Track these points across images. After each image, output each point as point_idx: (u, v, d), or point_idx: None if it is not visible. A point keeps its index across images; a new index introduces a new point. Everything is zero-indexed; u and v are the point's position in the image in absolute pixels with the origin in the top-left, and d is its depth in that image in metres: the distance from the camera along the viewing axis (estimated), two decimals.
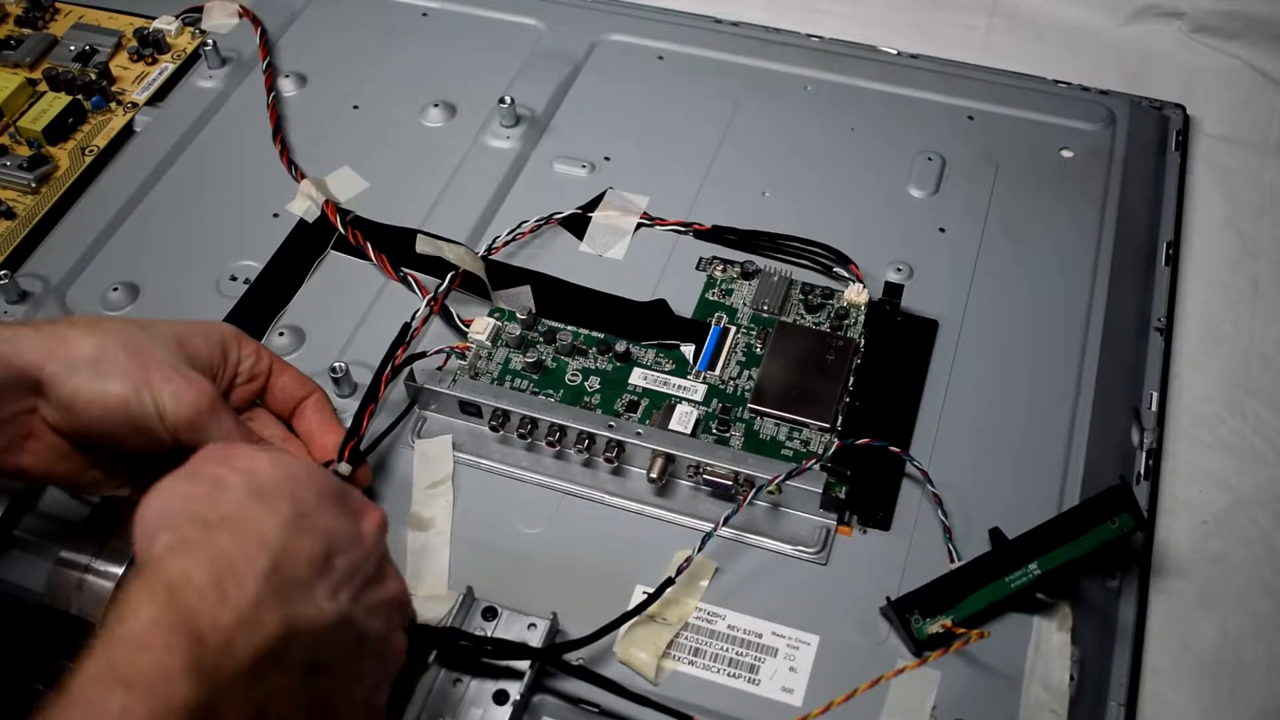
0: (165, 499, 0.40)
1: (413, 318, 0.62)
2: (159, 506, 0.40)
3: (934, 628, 0.50)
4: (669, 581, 0.51)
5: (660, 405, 0.59)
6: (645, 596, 0.52)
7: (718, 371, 0.60)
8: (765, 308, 0.63)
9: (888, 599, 0.51)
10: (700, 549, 0.52)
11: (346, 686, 0.41)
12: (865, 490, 0.56)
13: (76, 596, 0.53)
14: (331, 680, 0.40)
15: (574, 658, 0.50)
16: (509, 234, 0.67)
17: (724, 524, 0.53)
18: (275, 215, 0.70)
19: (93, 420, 0.47)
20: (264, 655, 0.36)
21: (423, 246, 0.64)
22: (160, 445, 0.49)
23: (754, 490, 0.53)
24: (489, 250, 0.66)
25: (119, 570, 0.53)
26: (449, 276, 0.64)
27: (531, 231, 0.68)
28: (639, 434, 0.56)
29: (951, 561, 0.53)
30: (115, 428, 0.48)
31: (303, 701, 0.39)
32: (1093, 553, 0.51)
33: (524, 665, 0.49)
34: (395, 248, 0.66)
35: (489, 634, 0.50)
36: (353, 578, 0.41)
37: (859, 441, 0.55)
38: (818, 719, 0.47)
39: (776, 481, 0.53)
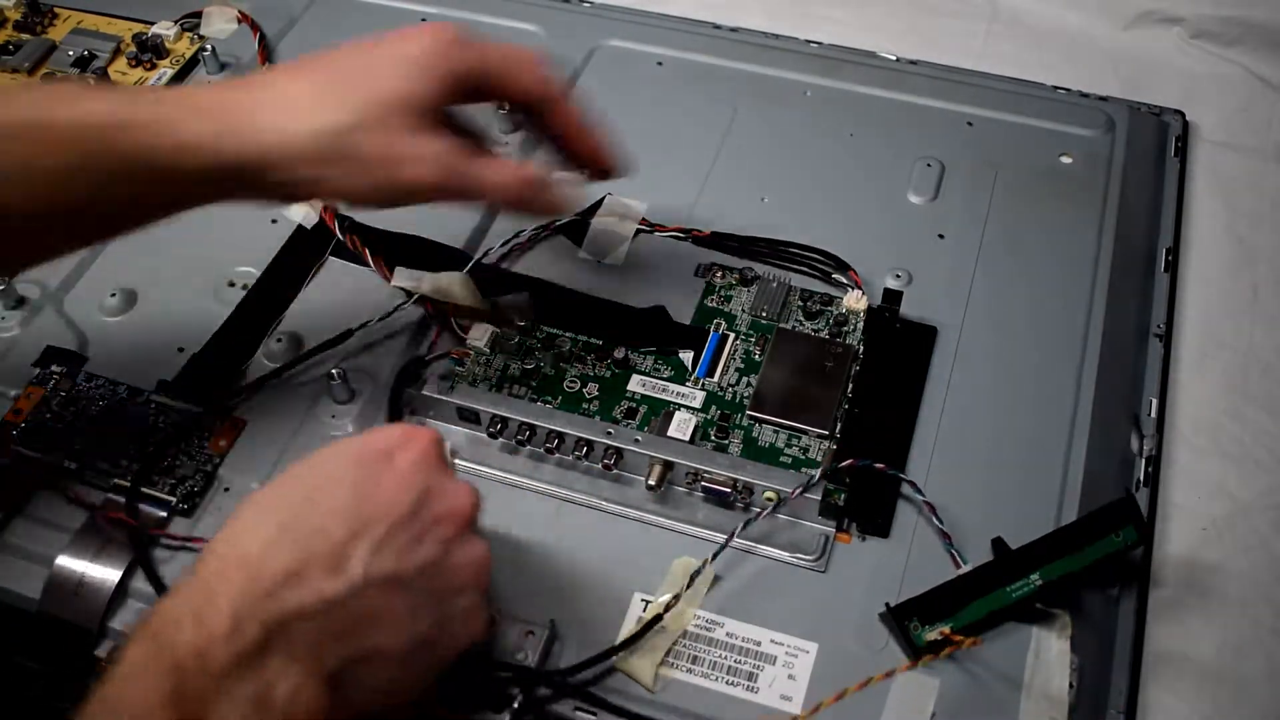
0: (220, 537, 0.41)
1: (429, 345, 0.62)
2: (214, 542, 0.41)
3: (932, 634, 0.50)
4: (674, 600, 0.51)
5: (659, 412, 0.59)
6: (644, 606, 0.52)
7: (716, 378, 0.60)
8: (764, 314, 0.63)
9: (887, 605, 0.51)
10: (712, 560, 0.52)
11: (384, 633, 0.41)
12: (864, 498, 0.55)
13: (73, 602, 0.53)
14: (357, 635, 0.40)
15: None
16: (502, 245, 0.67)
17: (735, 537, 0.52)
18: (273, 221, 0.70)
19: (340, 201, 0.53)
20: (249, 653, 0.37)
21: (400, 280, 0.64)
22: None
23: (774, 505, 0.53)
24: (483, 257, 0.66)
25: (117, 574, 0.53)
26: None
27: (530, 240, 0.68)
28: (637, 441, 0.56)
29: (957, 566, 0.53)
30: (363, 204, 0.53)
31: (315, 663, 0.39)
32: (1095, 565, 0.51)
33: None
34: (393, 254, 0.66)
35: (487, 641, 0.50)
36: (373, 541, 0.40)
37: (844, 464, 0.54)
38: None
39: (765, 514, 0.53)
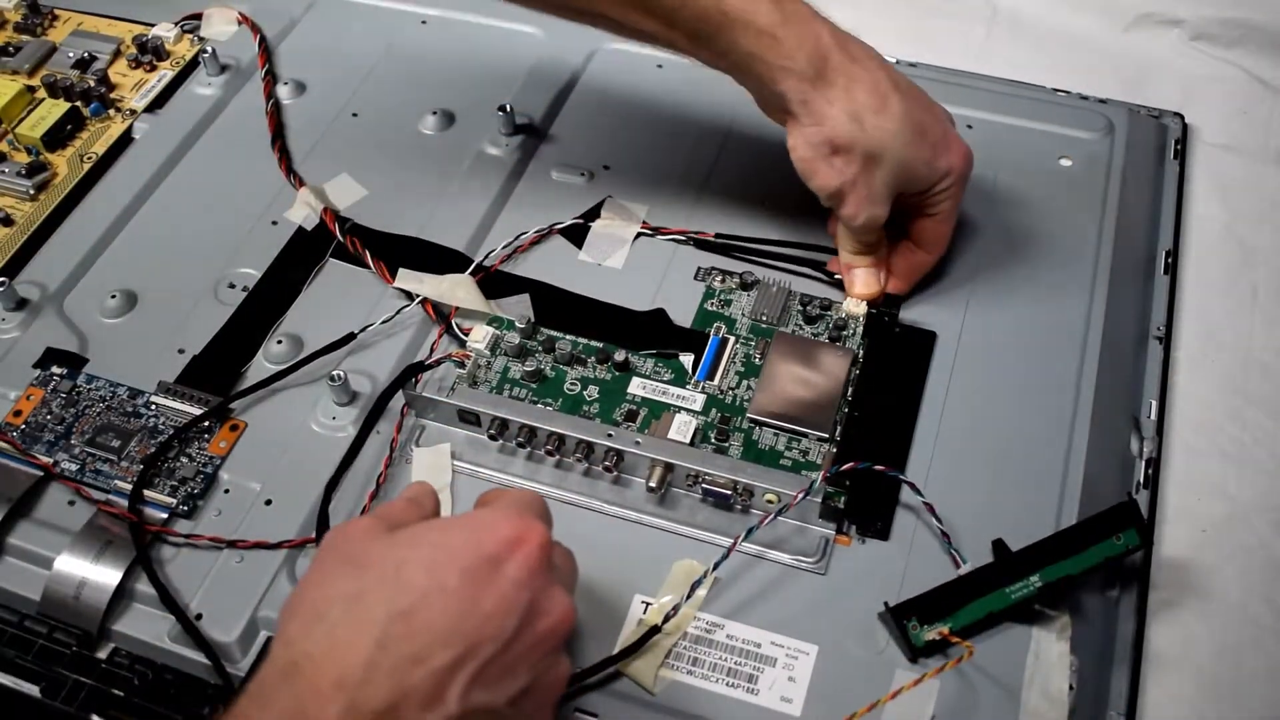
0: (292, 613, 0.40)
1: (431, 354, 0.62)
2: (285, 618, 0.40)
3: (931, 635, 0.50)
4: (674, 611, 0.51)
5: (659, 415, 0.59)
6: (644, 608, 0.52)
7: (716, 381, 0.60)
8: (764, 318, 0.63)
9: (886, 605, 0.51)
10: (715, 567, 0.52)
11: None
12: (864, 500, 0.55)
13: (73, 604, 0.53)
14: None
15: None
16: (504, 247, 0.67)
17: (727, 556, 0.52)
18: (274, 223, 0.70)
19: (795, 165, 0.58)
20: None
21: (402, 282, 0.64)
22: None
23: (777, 510, 0.53)
24: (485, 259, 0.66)
25: (117, 576, 0.53)
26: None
27: (531, 243, 0.68)
28: (638, 443, 0.56)
29: (957, 567, 0.53)
30: (803, 177, 0.59)
31: None
32: (1095, 567, 0.51)
33: None
34: (394, 256, 0.66)
35: None
36: (473, 671, 0.38)
37: (845, 466, 0.54)
38: None
39: (769, 521, 0.53)
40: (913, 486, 0.55)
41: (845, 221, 0.59)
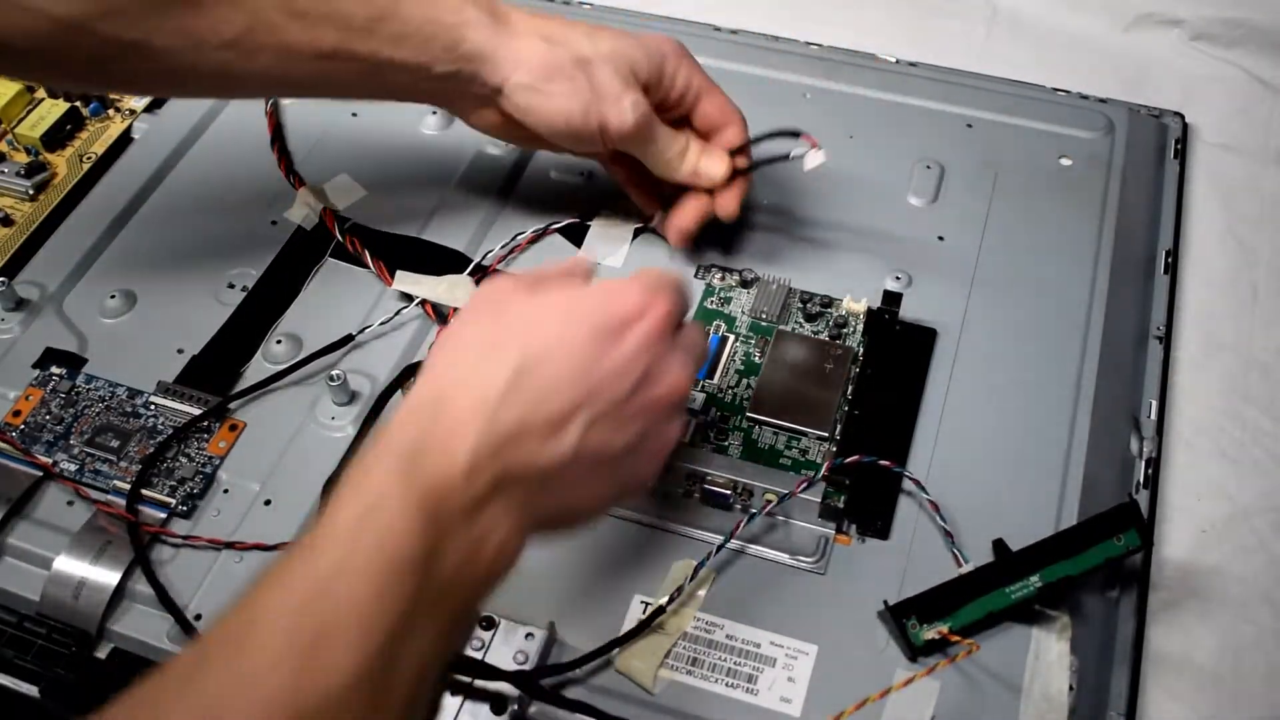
0: (438, 352, 0.43)
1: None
2: (432, 358, 0.44)
3: (930, 634, 0.50)
4: (669, 601, 0.51)
5: None
6: (644, 608, 0.52)
7: (716, 380, 0.60)
8: (764, 316, 0.63)
9: (885, 603, 0.51)
10: (706, 562, 0.52)
11: (582, 490, 0.43)
12: (863, 500, 0.55)
13: (72, 604, 0.53)
14: (556, 496, 0.42)
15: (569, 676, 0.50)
16: (502, 247, 0.66)
17: (727, 541, 0.53)
18: (273, 223, 0.70)
19: (539, 127, 0.57)
20: (483, 498, 0.39)
21: (401, 284, 0.64)
22: (599, 152, 0.61)
23: (772, 505, 0.53)
24: (484, 259, 0.66)
25: (116, 576, 0.53)
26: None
27: (530, 242, 0.68)
28: None
29: (958, 565, 0.53)
30: (558, 136, 0.58)
31: (524, 518, 0.41)
32: (1096, 568, 0.51)
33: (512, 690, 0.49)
34: (393, 256, 0.66)
35: (486, 643, 0.50)
36: (591, 416, 0.41)
37: (848, 460, 0.54)
38: None
39: (768, 510, 0.53)
40: (917, 483, 0.55)
41: (624, 136, 0.57)
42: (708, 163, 0.61)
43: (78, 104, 0.77)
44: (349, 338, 0.62)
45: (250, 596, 0.35)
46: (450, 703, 0.49)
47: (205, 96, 0.73)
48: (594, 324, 0.42)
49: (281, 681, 0.33)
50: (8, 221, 0.70)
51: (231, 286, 0.66)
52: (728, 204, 0.62)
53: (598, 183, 0.71)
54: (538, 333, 0.42)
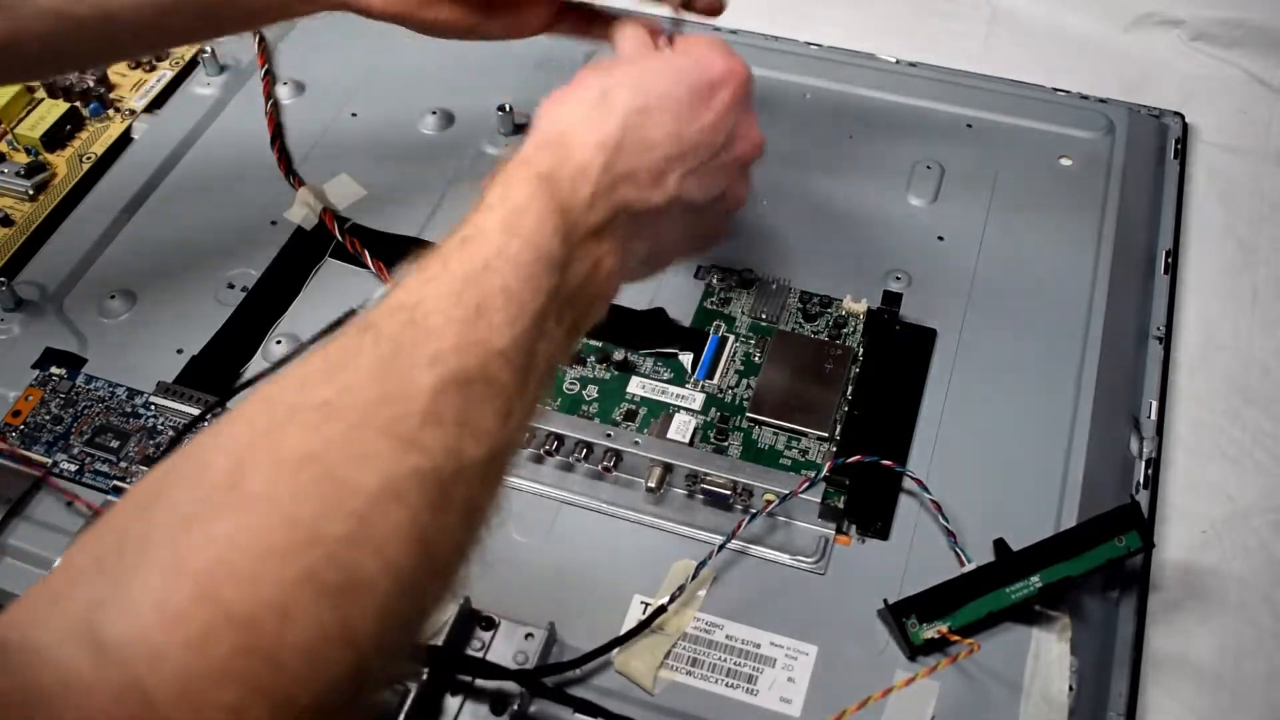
0: (550, 108, 0.46)
1: None
2: (544, 114, 0.46)
3: (930, 633, 0.50)
4: (670, 600, 0.51)
5: (658, 414, 0.59)
6: (643, 608, 0.52)
7: (716, 380, 0.60)
8: (763, 316, 0.63)
9: (885, 602, 0.51)
10: (706, 562, 0.52)
11: (668, 234, 0.47)
12: (863, 500, 0.55)
13: None
14: (649, 239, 0.46)
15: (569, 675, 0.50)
16: None
17: (729, 540, 0.52)
18: (273, 223, 0.70)
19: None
20: (600, 227, 0.42)
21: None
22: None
23: (772, 505, 0.53)
24: None
25: None
26: None
27: None
28: (637, 443, 0.56)
29: (961, 565, 0.53)
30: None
31: (624, 254, 0.44)
32: (1096, 569, 0.51)
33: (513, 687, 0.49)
34: (393, 256, 0.66)
35: (486, 643, 0.50)
36: (687, 168, 0.45)
37: (850, 459, 0.54)
38: None
39: (769, 510, 0.53)
40: (920, 483, 0.55)
41: None
42: None
43: (78, 104, 0.77)
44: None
45: (404, 288, 0.37)
46: (450, 703, 0.49)
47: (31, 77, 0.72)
48: (692, 83, 0.46)
49: (452, 341, 0.36)
50: (8, 221, 0.70)
51: (231, 286, 0.66)
52: None
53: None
54: (642, 89, 0.45)
